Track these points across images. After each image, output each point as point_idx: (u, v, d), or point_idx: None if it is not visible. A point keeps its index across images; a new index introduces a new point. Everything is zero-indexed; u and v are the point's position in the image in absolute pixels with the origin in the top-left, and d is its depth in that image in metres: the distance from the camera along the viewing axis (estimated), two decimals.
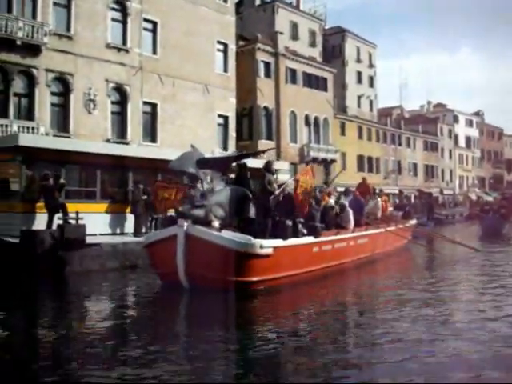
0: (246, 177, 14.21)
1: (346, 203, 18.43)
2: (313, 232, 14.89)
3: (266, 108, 46.45)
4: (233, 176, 14.76)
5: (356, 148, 58.25)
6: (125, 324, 10.39)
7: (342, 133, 56.40)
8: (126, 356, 7.71)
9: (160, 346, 8.29)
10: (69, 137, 29.38)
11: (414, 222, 25.75)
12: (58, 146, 18.04)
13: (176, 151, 17.14)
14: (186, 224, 12.09)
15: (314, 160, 49.95)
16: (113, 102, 33.71)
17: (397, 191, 46.94)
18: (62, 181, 17.14)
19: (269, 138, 46.43)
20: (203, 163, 13.49)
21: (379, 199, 21.96)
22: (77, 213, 16.66)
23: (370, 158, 61.06)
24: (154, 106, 35.86)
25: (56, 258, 15.62)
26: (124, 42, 34.14)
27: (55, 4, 30.86)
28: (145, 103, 35.27)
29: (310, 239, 14.60)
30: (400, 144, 68.05)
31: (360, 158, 59.09)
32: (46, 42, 29.60)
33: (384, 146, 64.29)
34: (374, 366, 7.33)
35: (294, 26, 56.09)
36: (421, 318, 9.97)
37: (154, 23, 35.92)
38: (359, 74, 65.87)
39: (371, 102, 68.15)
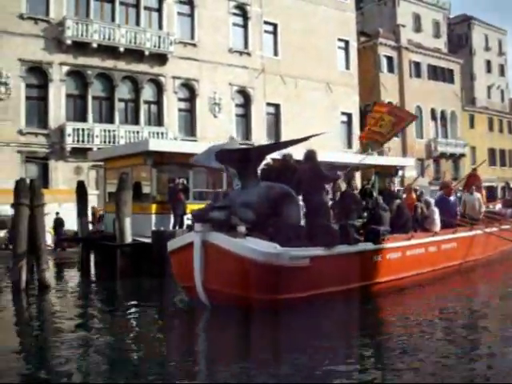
0: (292, 171, 11.46)
1: (432, 201, 15.34)
2: (374, 237, 12.01)
3: (390, 103, 45.47)
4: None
5: (486, 141, 55.60)
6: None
7: (471, 126, 54.16)
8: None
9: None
10: (195, 140, 30.35)
11: None
12: (185, 150, 18.58)
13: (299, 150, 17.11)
14: (202, 229, 9.97)
15: (442, 155, 48.43)
16: (237, 105, 34.60)
17: None
18: (181, 181, 17.57)
19: None
20: (227, 156, 10.98)
21: (478, 195, 17.89)
22: None
23: (502, 152, 58.06)
24: (277, 106, 36.34)
25: None
26: (246, 45, 34.86)
27: (179, 14, 32.18)
28: (268, 104, 35.81)
29: (368, 246, 11.69)
30: None
31: (491, 152, 56.30)
32: (172, 50, 30.90)
33: None
34: None
35: (417, 18, 54.58)
36: None
37: (275, 25, 36.38)
38: (488, 63, 62.94)
39: (502, 92, 64.85)
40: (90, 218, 20.86)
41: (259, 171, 11.37)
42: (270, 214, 10.28)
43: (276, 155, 12.34)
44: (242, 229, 9.97)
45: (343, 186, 13.07)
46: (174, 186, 17.31)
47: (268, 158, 12.26)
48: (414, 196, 15.37)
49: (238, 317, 9.46)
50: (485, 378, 6.61)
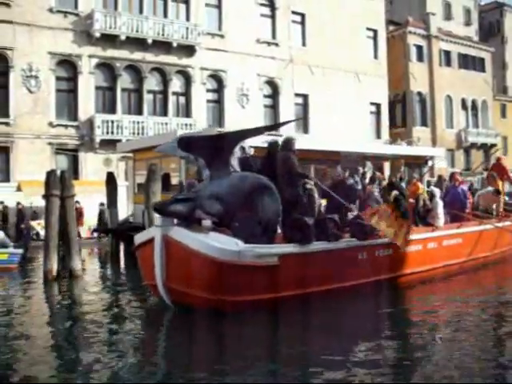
0: (275, 161, 10.34)
1: (437, 192, 13.90)
2: (359, 233, 10.73)
3: (419, 93, 45.06)
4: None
5: None
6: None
7: (503, 115, 53.17)
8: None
9: None
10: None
11: None
12: None
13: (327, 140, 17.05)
14: (162, 224, 9.18)
15: (473, 145, 47.76)
16: (265, 96, 34.54)
17: None
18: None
19: (423, 123, 45.03)
20: (193, 145, 9.81)
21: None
22: None
23: None
24: (305, 97, 36.14)
25: None
26: (273, 36, 34.74)
27: (207, 5, 32.19)
28: (296, 95, 35.65)
29: (350, 243, 10.54)
30: None
31: None
32: (200, 41, 30.94)
33: None
34: None
35: (447, 6, 53.65)
36: None
37: (302, 15, 36.16)
38: None
39: None
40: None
41: (235, 161, 10.19)
42: (242, 207, 9.29)
43: (263, 143, 11.44)
44: (208, 223, 9.23)
45: (345, 174, 12.08)
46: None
47: (249, 148, 11.20)
48: (419, 187, 14.16)
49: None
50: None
